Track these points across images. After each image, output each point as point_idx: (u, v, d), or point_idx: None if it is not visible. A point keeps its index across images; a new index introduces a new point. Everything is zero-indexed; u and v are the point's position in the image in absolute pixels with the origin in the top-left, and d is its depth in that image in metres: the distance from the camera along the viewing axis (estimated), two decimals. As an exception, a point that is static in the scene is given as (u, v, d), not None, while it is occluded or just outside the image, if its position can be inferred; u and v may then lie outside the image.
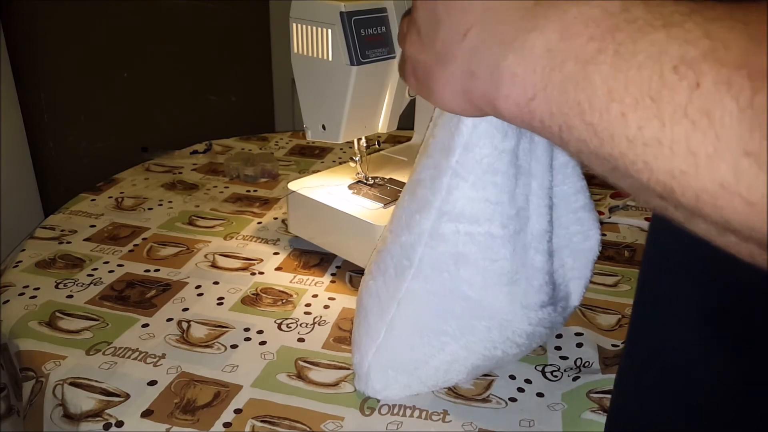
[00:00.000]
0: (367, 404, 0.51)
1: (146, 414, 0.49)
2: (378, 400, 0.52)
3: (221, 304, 0.65)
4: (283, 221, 0.83)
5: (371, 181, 0.74)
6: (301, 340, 0.59)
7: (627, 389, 0.40)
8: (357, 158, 0.73)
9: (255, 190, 0.93)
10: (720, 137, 0.20)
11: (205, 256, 0.74)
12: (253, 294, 0.66)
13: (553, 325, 0.53)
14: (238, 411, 0.50)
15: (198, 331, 0.60)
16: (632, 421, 0.40)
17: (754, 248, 0.22)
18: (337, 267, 0.72)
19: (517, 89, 0.29)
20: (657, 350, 0.37)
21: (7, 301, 0.64)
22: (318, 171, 0.80)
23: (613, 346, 0.59)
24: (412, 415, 0.50)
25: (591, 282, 0.70)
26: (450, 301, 0.49)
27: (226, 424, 0.49)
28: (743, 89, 0.20)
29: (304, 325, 0.62)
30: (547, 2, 0.28)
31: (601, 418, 0.50)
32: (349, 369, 0.55)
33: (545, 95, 0.28)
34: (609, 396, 0.52)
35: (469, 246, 0.47)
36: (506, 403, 0.52)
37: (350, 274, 0.70)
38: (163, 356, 0.56)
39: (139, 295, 0.66)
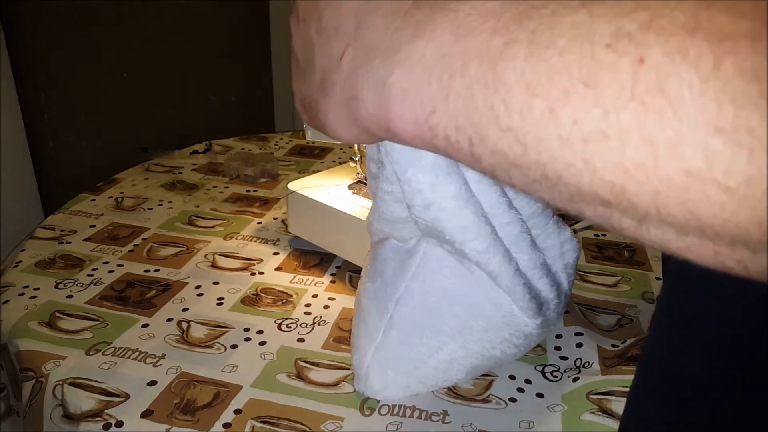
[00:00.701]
0: (366, 404, 0.51)
1: (146, 414, 0.49)
2: (378, 401, 0.52)
3: (221, 304, 0.65)
4: (283, 221, 0.83)
5: (371, 182, 0.74)
6: (301, 340, 0.59)
7: (643, 396, 0.40)
8: (357, 158, 0.73)
9: (255, 190, 0.93)
10: (681, 116, 0.17)
11: (205, 256, 0.74)
12: (253, 294, 0.66)
13: (550, 322, 0.53)
14: (237, 411, 0.50)
15: (198, 332, 0.60)
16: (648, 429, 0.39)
17: (723, 247, 0.19)
18: (337, 267, 0.72)
19: (412, 106, 0.25)
20: (673, 376, 0.37)
21: (7, 301, 0.64)
22: (318, 171, 0.80)
23: (613, 346, 0.59)
24: (411, 416, 0.50)
25: (591, 282, 0.70)
26: (448, 300, 0.49)
27: (226, 425, 0.49)
28: (702, 55, 0.17)
29: (304, 325, 0.62)
30: (427, 3, 0.24)
31: (601, 420, 0.50)
32: (349, 369, 0.55)
33: (447, 107, 0.24)
34: (608, 397, 0.52)
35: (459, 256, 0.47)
36: (506, 403, 0.52)
37: (350, 274, 0.70)
38: (163, 356, 0.56)
39: (139, 295, 0.66)
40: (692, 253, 0.20)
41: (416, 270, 0.49)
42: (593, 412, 0.50)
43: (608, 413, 0.50)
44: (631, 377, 0.51)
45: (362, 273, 0.55)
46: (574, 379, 0.55)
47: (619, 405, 0.51)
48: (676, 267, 0.36)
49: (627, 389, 0.51)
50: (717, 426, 0.34)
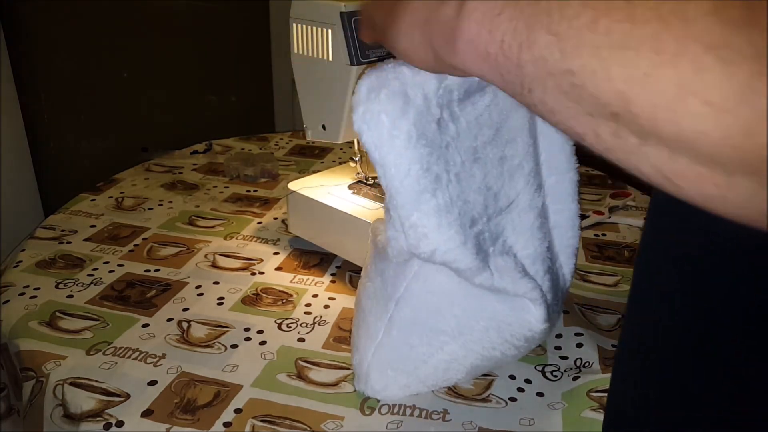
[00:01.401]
0: (367, 404, 0.51)
1: (146, 414, 0.49)
2: (378, 400, 0.52)
3: (221, 304, 0.65)
4: (283, 221, 0.83)
5: (371, 181, 0.74)
6: (301, 339, 0.59)
7: (623, 380, 0.40)
8: (357, 158, 0.73)
9: (255, 190, 0.93)
10: (687, 32, 0.20)
11: (206, 256, 0.74)
12: (253, 294, 0.67)
13: (551, 321, 0.53)
14: (238, 411, 0.50)
15: (198, 331, 0.60)
16: (629, 417, 0.40)
17: (703, 168, 0.21)
18: (337, 267, 0.72)
19: (486, 7, 0.28)
20: (652, 341, 0.37)
21: (8, 301, 0.64)
22: (318, 171, 0.80)
23: (613, 346, 0.59)
24: (412, 415, 0.50)
25: (591, 282, 0.70)
26: (449, 300, 0.49)
27: (227, 424, 0.49)
28: None
29: (304, 324, 0.62)
30: None
31: (601, 417, 0.50)
32: (349, 369, 0.55)
33: (515, 7, 0.26)
34: None
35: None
36: (506, 402, 0.52)
37: (350, 274, 0.71)
38: (164, 356, 0.56)
39: (139, 295, 0.66)
40: (681, 177, 0.22)
41: (417, 270, 0.49)
42: (594, 410, 0.50)
43: None
44: None
45: (362, 273, 0.55)
46: (575, 378, 0.55)
47: None
48: (645, 257, 0.37)
49: None
50: (690, 410, 0.34)
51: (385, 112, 0.40)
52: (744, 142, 0.19)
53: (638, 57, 0.21)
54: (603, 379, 0.54)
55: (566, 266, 0.56)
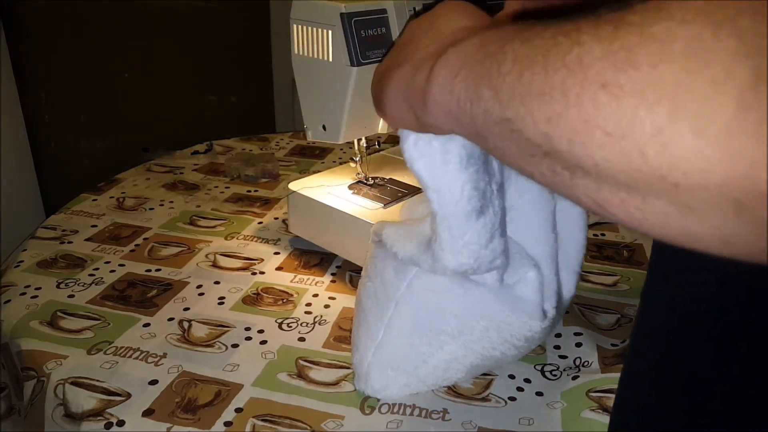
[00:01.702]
0: (367, 403, 0.52)
1: (147, 413, 0.50)
2: (378, 399, 0.52)
3: (222, 303, 0.65)
4: (283, 221, 0.83)
5: (371, 182, 0.74)
6: (301, 339, 0.60)
7: (632, 388, 0.41)
8: (357, 158, 0.73)
9: (256, 191, 0.93)
10: (585, 76, 0.23)
11: (206, 256, 0.74)
12: (253, 293, 0.67)
13: (552, 324, 0.53)
14: (239, 410, 0.50)
15: (199, 331, 0.60)
16: (637, 420, 0.40)
17: (624, 195, 0.24)
18: (338, 267, 0.72)
19: (446, 71, 0.33)
20: (663, 349, 0.37)
21: (9, 300, 0.64)
22: (318, 171, 0.80)
23: (613, 345, 0.60)
24: (412, 414, 0.51)
25: (591, 282, 0.71)
26: (449, 300, 0.50)
27: (227, 423, 0.49)
28: (606, 32, 0.23)
29: (304, 324, 0.62)
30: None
31: (601, 417, 0.50)
32: (349, 368, 0.55)
33: (468, 68, 0.31)
34: (609, 395, 0.52)
35: None
36: (506, 402, 0.52)
37: (350, 274, 0.71)
38: (164, 356, 0.56)
39: (140, 295, 0.66)
40: (609, 204, 0.25)
41: (418, 270, 0.49)
42: (593, 410, 0.51)
43: (608, 411, 0.50)
44: None
45: (363, 272, 0.55)
46: (574, 377, 0.55)
47: None
48: (658, 261, 0.37)
49: None
50: (706, 413, 0.35)
51: (436, 137, 0.41)
52: (641, 165, 0.22)
53: (552, 100, 0.24)
54: (602, 379, 0.54)
55: (570, 273, 0.56)
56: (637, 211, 0.24)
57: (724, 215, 0.20)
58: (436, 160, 0.42)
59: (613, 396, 0.51)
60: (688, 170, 0.20)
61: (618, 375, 0.53)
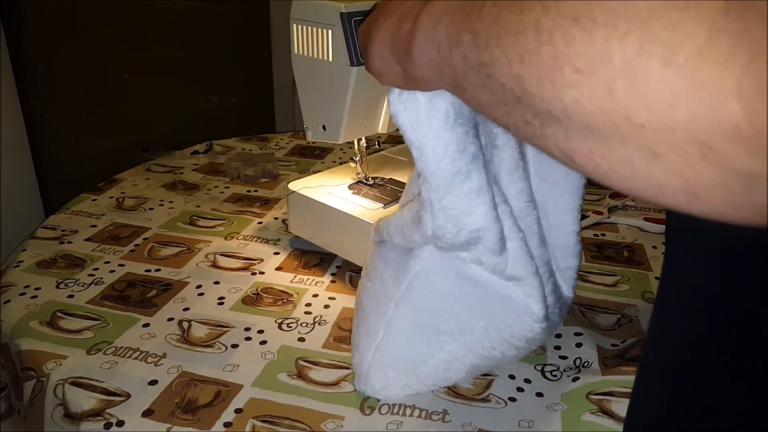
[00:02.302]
0: (367, 404, 0.52)
1: (147, 413, 0.50)
2: (378, 400, 0.52)
3: (222, 303, 0.65)
4: (283, 221, 0.83)
5: (371, 182, 0.74)
6: (301, 339, 0.60)
7: (645, 393, 0.40)
8: (357, 158, 0.73)
9: (255, 191, 0.93)
10: (558, 12, 0.23)
11: (206, 256, 0.74)
12: (253, 294, 0.67)
13: (552, 325, 0.53)
14: (238, 411, 0.50)
15: (199, 331, 0.60)
16: (650, 424, 0.40)
17: (591, 143, 0.23)
18: (338, 267, 0.72)
19: (430, 18, 0.33)
20: (676, 355, 0.37)
21: (8, 300, 0.64)
22: (318, 171, 0.80)
23: (613, 345, 0.59)
24: (412, 415, 0.51)
25: (591, 282, 0.71)
26: (449, 300, 0.50)
27: (227, 424, 0.49)
28: None
29: (304, 324, 0.62)
30: None
31: (601, 420, 0.50)
32: (349, 368, 0.55)
33: (450, 15, 0.31)
34: (609, 398, 0.52)
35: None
36: (506, 402, 0.52)
37: (350, 274, 0.71)
38: (164, 356, 0.56)
39: (139, 295, 0.66)
40: (578, 154, 0.24)
41: (418, 270, 0.49)
42: (593, 413, 0.51)
43: (608, 414, 0.50)
44: (632, 378, 0.51)
45: (363, 273, 0.55)
46: (574, 379, 0.55)
47: (619, 406, 0.51)
48: (671, 266, 0.37)
49: (628, 390, 0.51)
50: (722, 418, 0.34)
51: (422, 91, 0.39)
52: (607, 105, 0.21)
53: (526, 39, 0.24)
54: (603, 381, 0.54)
55: (568, 278, 0.56)
56: (603, 160, 0.23)
57: (690, 160, 0.19)
58: (420, 114, 0.40)
59: (613, 399, 0.51)
60: (654, 106, 0.19)
61: (618, 377, 0.53)
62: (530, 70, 0.24)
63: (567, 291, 0.56)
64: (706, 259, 0.34)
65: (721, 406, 0.34)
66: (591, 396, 0.52)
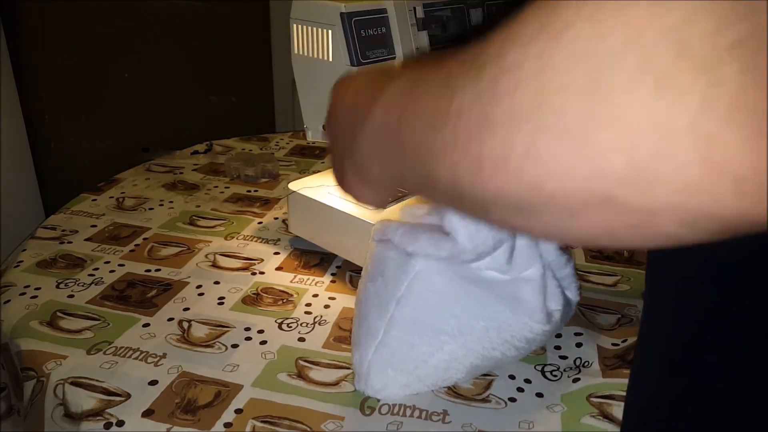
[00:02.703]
0: (367, 404, 0.52)
1: (147, 414, 0.50)
2: (378, 400, 0.52)
3: (222, 303, 0.65)
4: (283, 221, 0.83)
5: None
6: (301, 339, 0.60)
7: (639, 393, 0.41)
8: (357, 158, 0.73)
9: (255, 191, 0.93)
10: (468, 123, 0.25)
11: (206, 256, 0.74)
12: (253, 294, 0.67)
13: (554, 328, 0.53)
14: (238, 411, 0.50)
15: (199, 331, 0.60)
16: (645, 425, 0.40)
17: (520, 217, 0.26)
18: (338, 267, 0.72)
19: (366, 145, 0.36)
20: (666, 355, 0.37)
21: (8, 300, 0.64)
22: (318, 171, 0.80)
23: (613, 345, 0.59)
24: (412, 415, 0.51)
25: (591, 282, 0.71)
26: (449, 300, 0.50)
27: (227, 425, 0.49)
28: (473, 72, 0.25)
29: (304, 324, 0.62)
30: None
31: (601, 424, 0.50)
32: (349, 368, 0.55)
33: (379, 152, 0.34)
34: (609, 401, 0.52)
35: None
36: (506, 403, 0.52)
37: (350, 274, 0.71)
38: (164, 356, 0.56)
39: (140, 295, 0.66)
40: (515, 227, 0.27)
41: (418, 270, 0.49)
42: (594, 416, 0.50)
43: (609, 417, 0.50)
44: None
45: (363, 272, 0.55)
46: (575, 380, 0.55)
47: (620, 410, 0.50)
48: (658, 265, 0.37)
49: None
50: (712, 418, 0.34)
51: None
52: (521, 185, 0.23)
53: (453, 152, 0.27)
54: (603, 384, 0.54)
55: (568, 284, 0.56)
56: (529, 227, 0.26)
57: (596, 211, 0.22)
58: None
59: (613, 402, 0.51)
60: (559, 175, 0.22)
61: (619, 380, 0.53)
62: (460, 177, 0.26)
63: (572, 295, 0.56)
64: (689, 259, 0.34)
65: (712, 408, 0.34)
66: (591, 398, 0.52)
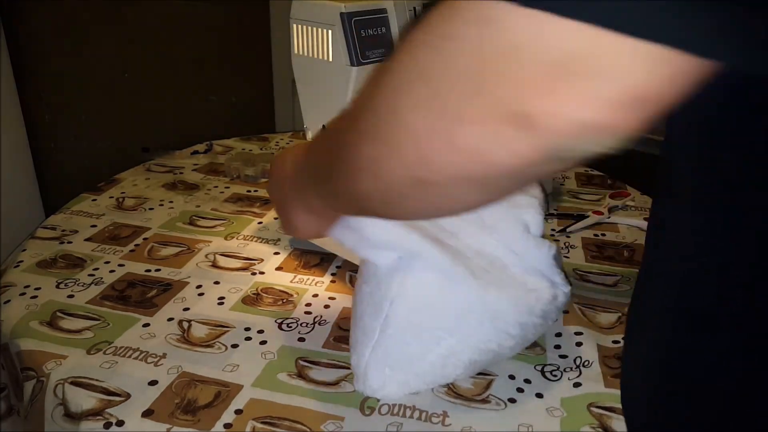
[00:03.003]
0: (367, 404, 0.52)
1: (147, 414, 0.50)
2: (378, 400, 0.52)
3: (222, 303, 0.65)
4: (283, 221, 0.83)
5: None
6: (301, 339, 0.60)
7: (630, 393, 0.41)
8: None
9: (255, 190, 0.93)
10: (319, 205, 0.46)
11: (206, 256, 0.74)
12: (253, 294, 0.67)
13: (546, 315, 0.53)
14: (238, 411, 0.50)
15: (199, 331, 0.60)
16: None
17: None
18: (338, 267, 0.72)
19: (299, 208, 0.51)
20: (655, 353, 0.38)
21: (8, 301, 0.64)
22: (318, 171, 0.80)
23: (614, 342, 0.59)
24: (411, 416, 0.51)
25: (591, 282, 0.71)
26: (441, 296, 0.50)
27: (227, 425, 0.49)
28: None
29: (304, 324, 0.62)
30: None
31: None
32: (349, 368, 0.55)
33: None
34: (609, 414, 0.51)
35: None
36: (505, 404, 0.52)
37: (350, 274, 0.71)
38: (164, 356, 0.56)
39: (139, 295, 0.66)
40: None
41: (408, 268, 0.50)
42: (594, 427, 0.50)
43: (608, 431, 0.50)
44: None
45: (358, 274, 0.55)
46: (576, 384, 0.54)
47: (620, 423, 0.50)
48: (652, 264, 0.38)
49: None
50: (712, 419, 0.34)
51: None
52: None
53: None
54: (606, 394, 0.53)
55: (558, 280, 0.57)
56: (393, 213, 0.37)
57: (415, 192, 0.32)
58: None
59: (614, 415, 0.51)
60: (378, 174, 0.32)
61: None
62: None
63: (559, 281, 0.56)
64: (683, 255, 0.35)
65: (713, 407, 0.34)
66: (592, 408, 0.52)
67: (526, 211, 0.57)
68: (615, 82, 0.24)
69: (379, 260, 0.52)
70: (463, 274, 0.50)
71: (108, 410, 0.50)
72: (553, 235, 0.81)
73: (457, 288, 0.50)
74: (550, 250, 0.56)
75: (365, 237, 0.50)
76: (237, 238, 0.78)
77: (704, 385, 0.34)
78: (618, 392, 0.52)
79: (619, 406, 0.51)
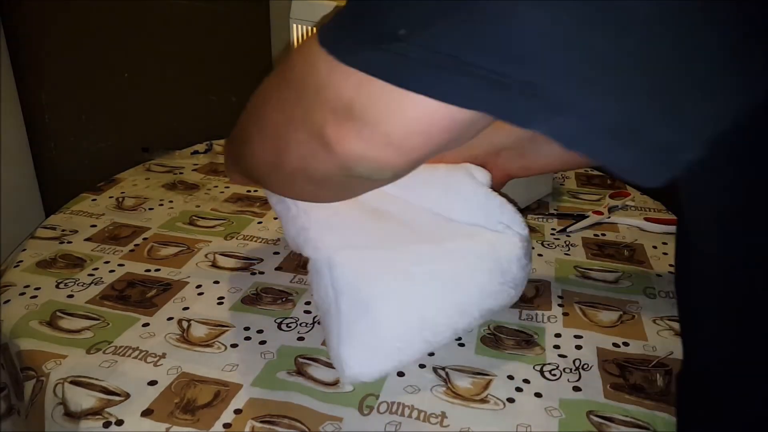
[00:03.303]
0: (365, 403, 0.52)
1: (146, 413, 0.50)
2: (376, 398, 0.52)
3: (221, 303, 0.65)
4: (283, 221, 0.83)
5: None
6: (300, 339, 0.60)
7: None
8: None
9: (255, 190, 0.93)
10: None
11: (206, 256, 0.74)
12: (253, 293, 0.67)
13: (516, 281, 0.57)
14: (238, 411, 0.50)
15: (198, 331, 0.60)
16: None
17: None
18: (337, 267, 0.72)
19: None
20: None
21: (8, 300, 0.64)
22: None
23: (614, 345, 0.59)
24: (410, 416, 0.51)
25: (592, 279, 0.71)
26: (374, 267, 0.53)
27: (226, 425, 0.49)
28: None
29: (304, 324, 0.62)
30: None
31: None
32: (348, 368, 0.55)
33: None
34: (609, 423, 0.50)
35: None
36: (504, 404, 0.52)
37: (350, 274, 0.71)
38: (164, 355, 0.56)
39: (139, 295, 0.66)
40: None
41: (330, 262, 0.53)
42: None
43: None
44: (635, 409, 0.51)
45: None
46: (575, 388, 0.54)
47: None
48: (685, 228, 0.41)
49: (628, 419, 0.50)
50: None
51: None
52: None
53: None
54: (606, 405, 0.52)
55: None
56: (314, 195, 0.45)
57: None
58: None
59: (613, 425, 0.50)
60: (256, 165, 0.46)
61: (622, 405, 0.52)
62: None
63: (520, 229, 0.58)
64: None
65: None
66: (592, 416, 0.51)
67: (474, 168, 0.61)
68: (383, 126, 0.29)
69: (308, 250, 0.55)
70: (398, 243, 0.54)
71: (107, 409, 0.50)
72: (553, 235, 0.81)
73: (396, 256, 0.53)
74: (496, 198, 0.58)
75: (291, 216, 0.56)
76: (237, 238, 0.78)
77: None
78: (618, 404, 0.52)
79: (619, 416, 0.51)
